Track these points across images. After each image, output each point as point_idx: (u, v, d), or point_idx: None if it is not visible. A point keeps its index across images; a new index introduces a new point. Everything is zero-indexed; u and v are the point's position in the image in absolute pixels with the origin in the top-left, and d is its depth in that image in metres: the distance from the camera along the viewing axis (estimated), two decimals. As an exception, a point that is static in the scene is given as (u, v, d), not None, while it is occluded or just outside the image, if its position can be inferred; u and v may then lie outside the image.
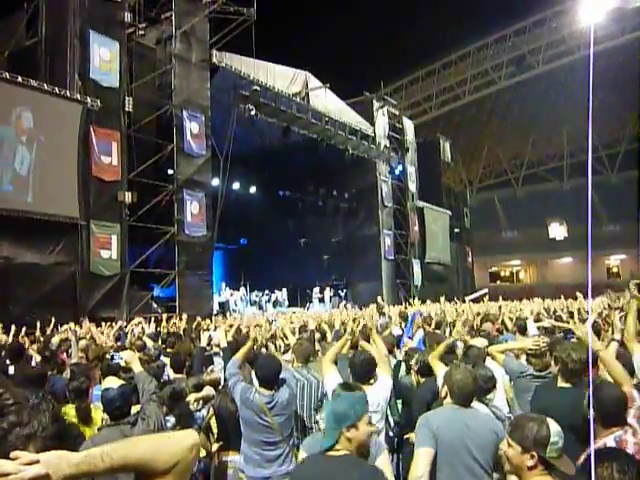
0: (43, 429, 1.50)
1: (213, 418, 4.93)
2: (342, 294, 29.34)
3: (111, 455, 1.35)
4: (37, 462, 1.27)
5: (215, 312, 19.27)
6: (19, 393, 3.11)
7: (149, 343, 7.74)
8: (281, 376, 4.37)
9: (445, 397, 3.39)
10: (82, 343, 8.12)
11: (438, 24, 38.87)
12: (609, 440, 2.88)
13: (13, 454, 1.28)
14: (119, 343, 8.60)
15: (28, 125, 14.40)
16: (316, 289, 27.98)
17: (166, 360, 6.25)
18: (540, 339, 4.71)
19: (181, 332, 10.22)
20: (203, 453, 4.66)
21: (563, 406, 3.39)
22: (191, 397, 4.92)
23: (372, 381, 4.38)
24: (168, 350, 7.32)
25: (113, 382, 3.78)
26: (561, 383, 3.83)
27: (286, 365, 4.79)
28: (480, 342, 5.71)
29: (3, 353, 7.02)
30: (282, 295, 27.05)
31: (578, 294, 14.16)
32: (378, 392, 4.25)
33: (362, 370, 4.30)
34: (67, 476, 1.28)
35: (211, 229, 19.23)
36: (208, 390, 5.16)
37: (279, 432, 4.18)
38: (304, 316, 15.71)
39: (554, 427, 2.37)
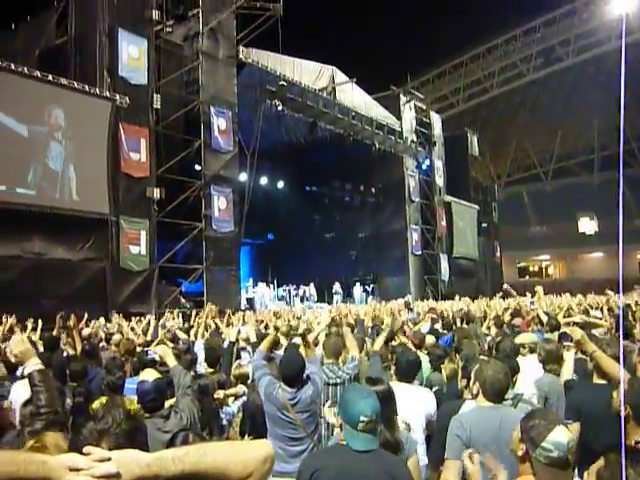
0: (117, 425, 1.50)
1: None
2: (369, 289, 29.27)
3: (183, 460, 1.32)
4: (109, 460, 1.25)
5: (243, 307, 19.37)
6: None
7: (182, 336, 7.80)
8: (307, 372, 4.37)
9: (477, 394, 3.35)
10: (116, 338, 8.25)
11: (465, 16, 38.55)
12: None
13: (86, 449, 1.28)
14: (149, 338, 8.68)
15: (59, 122, 14.63)
16: (336, 285, 27.76)
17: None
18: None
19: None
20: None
21: (598, 402, 3.36)
22: (221, 393, 4.95)
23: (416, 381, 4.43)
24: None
25: (149, 375, 3.81)
26: (596, 380, 3.78)
27: (316, 361, 4.77)
28: (528, 338, 5.58)
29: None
30: (310, 290, 27.05)
31: (608, 291, 13.85)
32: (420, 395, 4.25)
33: (406, 370, 4.33)
34: (137, 476, 1.26)
35: (238, 224, 19.35)
36: (238, 387, 5.19)
37: (303, 428, 4.16)
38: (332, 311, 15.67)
39: (560, 437, 2.23)
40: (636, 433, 2.86)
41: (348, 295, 27.99)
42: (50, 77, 14.44)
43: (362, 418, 2.67)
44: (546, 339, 5.67)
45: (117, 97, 15.64)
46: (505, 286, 13.13)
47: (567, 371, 4.39)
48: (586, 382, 3.95)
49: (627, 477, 1.73)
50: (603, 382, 3.67)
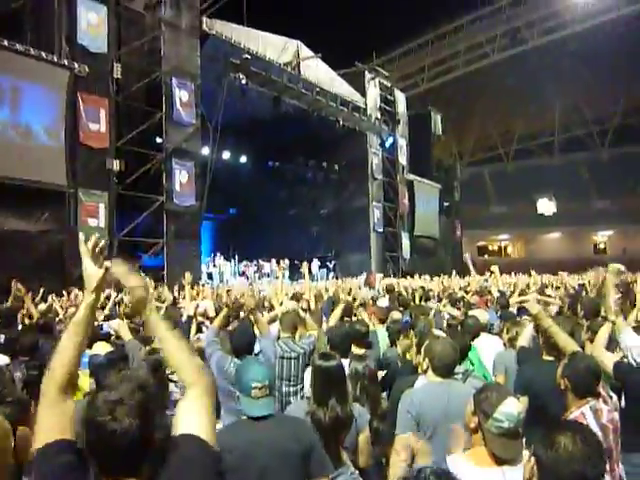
0: (130, 395, 1.49)
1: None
2: (330, 266, 29.38)
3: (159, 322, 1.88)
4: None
5: (203, 282, 19.25)
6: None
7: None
8: (259, 346, 4.38)
9: (427, 370, 3.43)
10: (72, 311, 8.11)
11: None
12: (586, 409, 2.93)
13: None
14: (107, 312, 8.55)
15: (14, 91, 14.19)
16: (285, 261, 27.68)
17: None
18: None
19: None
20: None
21: (545, 378, 3.45)
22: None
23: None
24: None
25: (101, 348, 3.78)
26: (545, 356, 3.88)
27: (270, 336, 4.79)
28: (480, 314, 5.70)
29: None
30: (271, 266, 27.01)
31: (561, 273, 14.36)
32: None
33: (342, 344, 4.37)
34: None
35: (200, 199, 19.15)
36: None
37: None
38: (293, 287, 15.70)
39: (510, 408, 2.32)
40: (577, 404, 2.97)
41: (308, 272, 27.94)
42: (5, 42, 13.95)
43: (254, 384, 2.79)
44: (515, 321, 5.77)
45: (76, 65, 15.23)
46: (466, 255, 13.32)
47: (523, 338, 4.51)
48: (536, 359, 4.04)
49: (563, 447, 1.79)
50: (551, 358, 3.77)
